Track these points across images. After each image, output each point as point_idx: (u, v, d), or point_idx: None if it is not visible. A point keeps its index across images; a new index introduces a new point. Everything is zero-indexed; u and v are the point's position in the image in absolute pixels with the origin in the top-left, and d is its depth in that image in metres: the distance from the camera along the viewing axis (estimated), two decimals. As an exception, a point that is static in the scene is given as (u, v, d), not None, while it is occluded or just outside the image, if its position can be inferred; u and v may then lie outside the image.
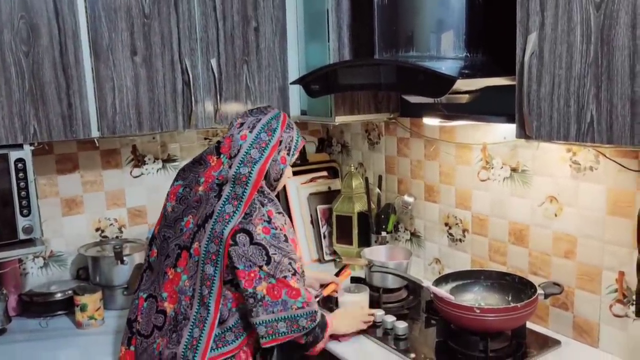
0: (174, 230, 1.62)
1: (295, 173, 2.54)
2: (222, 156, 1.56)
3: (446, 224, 2.15)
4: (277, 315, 1.48)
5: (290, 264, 1.51)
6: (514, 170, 1.85)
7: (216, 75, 2.04)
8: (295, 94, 2.28)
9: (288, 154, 1.62)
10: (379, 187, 2.38)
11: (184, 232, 1.58)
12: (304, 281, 1.59)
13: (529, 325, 1.80)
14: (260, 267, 1.47)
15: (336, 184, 2.65)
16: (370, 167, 2.53)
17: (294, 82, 1.98)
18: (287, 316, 1.49)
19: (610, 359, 1.61)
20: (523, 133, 1.39)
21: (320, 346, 1.61)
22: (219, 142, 1.60)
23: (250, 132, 1.56)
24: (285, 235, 1.52)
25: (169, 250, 1.60)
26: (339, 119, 2.14)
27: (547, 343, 1.70)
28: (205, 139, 2.51)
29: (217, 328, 1.51)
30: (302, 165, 2.64)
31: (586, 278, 1.67)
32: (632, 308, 1.53)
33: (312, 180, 2.61)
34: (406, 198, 2.25)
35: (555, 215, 1.74)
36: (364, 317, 1.81)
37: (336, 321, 1.71)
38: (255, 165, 1.53)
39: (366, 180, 2.36)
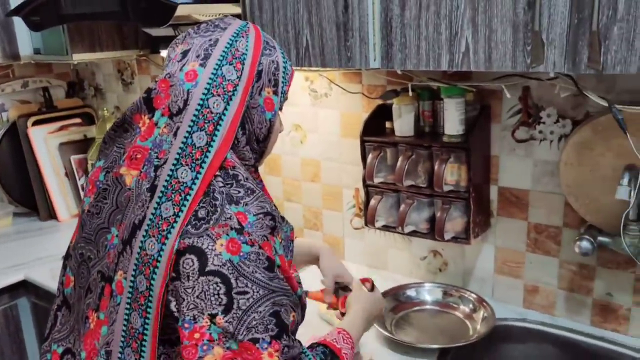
0: (95, 247, 0.92)
1: (40, 122, 2.28)
2: (156, 114, 0.87)
3: (207, 162, 2.13)
4: None
5: (273, 314, 0.81)
6: (262, 102, 1.88)
7: None
8: (24, 28, 1.98)
9: (275, 93, 0.94)
10: (136, 130, 2.25)
11: (107, 250, 0.89)
12: (294, 351, 0.84)
13: (286, 248, 1.90)
14: (213, 317, 0.79)
15: (92, 131, 2.43)
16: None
17: (9, 14, 1.71)
18: None
19: (354, 267, 1.78)
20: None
21: None
22: (149, 91, 0.89)
23: (203, 65, 0.87)
24: (268, 258, 0.83)
25: (90, 279, 0.92)
26: (78, 57, 1.93)
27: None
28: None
29: None
30: (49, 112, 2.36)
31: (330, 198, 1.80)
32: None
33: (62, 128, 2.35)
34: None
35: (301, 142, 1.82)
36: (383, 304, 1.27)
37: (357, 329, 1.09)
38: (220, 128, 0.85)
39: (122, 123, 2.20)
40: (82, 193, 0.89)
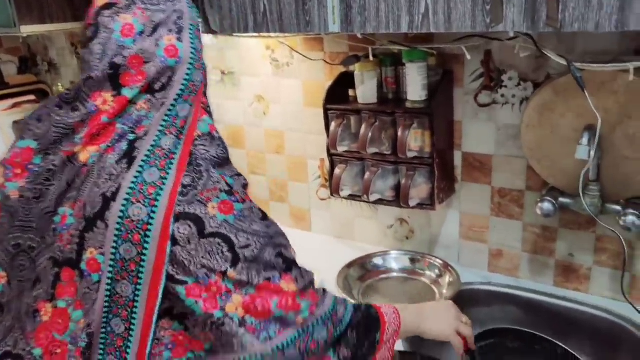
0: (39, 233, 0.86)
1: (-9, 99, 2.18)
2: (125, 91, 0.82)
3: (169, 137, 2.08)
4: (276, 341, 0.82)
5: (278, 255, 0.84)
6: (223, 73, 1.83)
7: None
8: (-33, 1, 1.87)
9: (180, 39, 0.86)
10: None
11: (58, 233, 0.83)
12: (308, 276, 0.88)
13: (253, 222, 1.88)
14: (224, 273, 0.80)
15: (48, 108, 2.33)
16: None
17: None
18: (293, 337, 0.83)
19: (322, 238, 1.78)
20: (208, 28, 1.34)
21: (381, 356, 0.93)
22: (115, 67, 0.82)
23: (180, 40, 0.85)
24: (260, 210, 0.87)
25: (39, 269, 0.85)
26: (26, 30, 1.83)
27: (269, 235, 1.80)
28: None
29: None
30: (1, 89, 2.25)
31: (296, 170, 1.78)
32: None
33: (15, 106, 2.25)
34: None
35: (264, 113, 1.78)
36: (460, 323, 1.08)
37: (411, 316, 1.02)
38: (199, 96, 0.86)
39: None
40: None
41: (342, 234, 1.75)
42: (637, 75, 1.09)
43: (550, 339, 1.22)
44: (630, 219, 1.15)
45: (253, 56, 1.74)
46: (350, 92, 1.49)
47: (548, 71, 1.27)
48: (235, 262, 0.80)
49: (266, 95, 1.76)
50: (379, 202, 1.47)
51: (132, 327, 0.80)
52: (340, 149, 1.48)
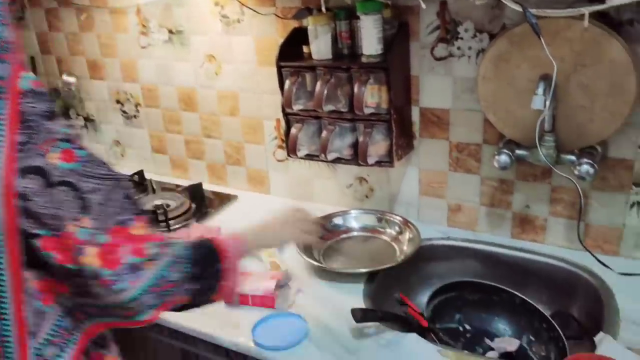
0: None
1: None
2: None
3: (118, 101, 1.98)
4: (132, 291, 0.82)
5: (126, 196, 0.85)
6: (171, 32, 1.74)
7: None
8: None
9: None
10: (34, 70, 2.04)
11: None
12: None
13: (210, 187, 1.83)
14: (76, 220, 0.79)
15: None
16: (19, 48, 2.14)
17: None
18: (147, 285, 0.84)
19: (280, 201, 1.74)
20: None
21: (229, 285, 0.94)
22: None
23: None
24: (99, 157, 0.85)
25: None
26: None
27: (226, 199, 1.76)
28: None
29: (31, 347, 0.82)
30: None
31: (251, 131, 1.73)
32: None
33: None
34: (66, 78, 1.98)
35: (216, 74, 1.71)
36: (303, 220, 1.15)
37: (254, 234, 1.08)
38: (7, 47, 0.79)
39: (16, 64, 2.00)
40: None
41: (301, 196, 1.72)
42: (592, 23, 1.08)
43: (509, 289, 1.24)
44: (585, 167, 1.16)
45: (201, 13, 1.66)
46: (304, 49, 1.43)
47: (504, 21, 1.24)
48: (85, 208, 0.80)
49: (217, 55, 1.69)
50: (337, 161, 1.44)
51: (2, 286, 0.79)
52: (296, 107, 1.43)
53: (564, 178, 1.23)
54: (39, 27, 2.03)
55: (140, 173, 1.88)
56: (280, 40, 1.45)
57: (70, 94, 2.03)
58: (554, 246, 1.37)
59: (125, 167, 2.05)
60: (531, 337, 1.20)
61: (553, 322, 1.15)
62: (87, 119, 2.10)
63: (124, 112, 1.98)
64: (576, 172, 1.17)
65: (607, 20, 1.12)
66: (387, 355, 1.05)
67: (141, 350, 1.37)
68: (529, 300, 1.21)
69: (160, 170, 1.99)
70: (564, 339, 1.11)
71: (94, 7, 1.86)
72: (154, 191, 1.82)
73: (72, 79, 1.97)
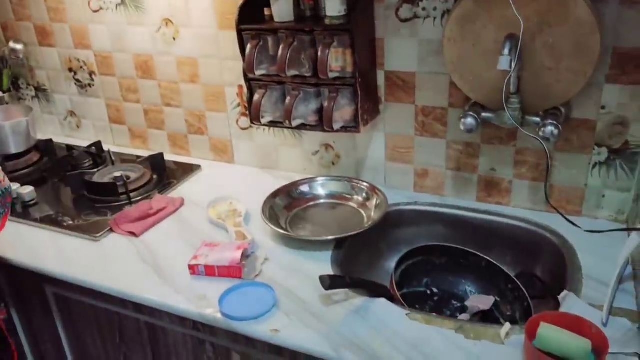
0: None
1: None
2: None
3: (70, 70, 1.88)
4: None
5: None
6: (124, -6, 1.66)
7: None
8: None
9: None
10: (-23, 37, 1.92)
11: None
12: None
13: (171, 157, 1.78)
14: None
15: None
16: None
17: None
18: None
19: (245, 170, 1.71)
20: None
21: None
22: None
23: None
24: None
25: None
26: None
27: (189, 170, 1.71)
28: None
29: None
30: None
31: (213, 99, 1.67)
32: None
33: None
34: (13, 45, 1.87)
35: (174, 39, 1.64)
36: None
37: None
38: None
39: (-42, 30, 1.87)
40: None
41: (267, 164, 1.69)
42: (557, -19, 1.07)
43: (475, 252, 1.25)
44: (549, 129, 1.16)
45: (156, -26, 1.57)
46: (266, 11, 1.38)
47: (469, -19, 1.22)
48: None
49: (174, 18, 1.61)
50: (302, 127, 1.41)
51: None
52: (258, 72, 1.39)
53: (529, 140, 1.24)
54: (-19, -10, 1.90)
55: (97, 144, 1.81)
56: (240, 2, 1.39)
57: (18, 62, 1.92)
58: (519, 208, 1.39)
59: (82, 139, 1.97)
60: (497, 298, 1.21)
61: (518, 282, 1.17)
62: (38, 89, 1.99)
63: (78, 80, 1.89)
64: (541, 134, 1.17)
65: (572, -22, 1.11)
66: (356, 320, 1.05)
67: (106, 327, 1.33)
68: (495, 262, 1.22)
69: (119, 141, 1.92)
70: (529, 299, 1.13)
71: (39, -31, 1.75)
72: (112, 163, 1.76)
73: (19, 46, 1.86)
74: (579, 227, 1.27)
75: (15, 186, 1.56)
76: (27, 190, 1.53)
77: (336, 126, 1.35)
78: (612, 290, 1.02)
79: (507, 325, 1.00)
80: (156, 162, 1.68)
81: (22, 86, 2.02)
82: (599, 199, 1.30)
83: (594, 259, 1.17)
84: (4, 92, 1.93)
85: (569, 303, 1.04)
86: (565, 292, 1.08)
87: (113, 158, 1.77)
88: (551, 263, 1.26)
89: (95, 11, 1.72)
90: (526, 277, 1.23)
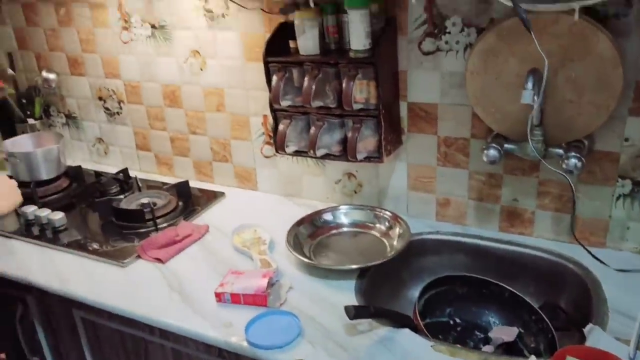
0: None
1: None
2: None
3: (100, 98, 1.95)
4: None
5: None
6: (154, 27, 1.71)
7: None
8: None
9: None
10: (12, 67, 2.00)
11: None
12: None
13: (196, 184, 1.81)
14: None
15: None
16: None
17: None
18: None
19: (268, 197, 1.73)
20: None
21: None
22: None
23: None
24: None
25: None
26: None
27: (213, 197, 1.74)
28: None
29: None
30: None
31: (238, 127, 1.71)
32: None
33: None
34: (45, 74, 1.94)
35: (201, 69, 1.69)
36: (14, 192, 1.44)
37: None
38: None
39: (-6, 60, 1.94)
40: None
41: (290, 192, 1.71)
42: (580, 17, 1.09)
43: (497, 282, 1.25)
44: (573, 161, 1.17)
45: (185, 7, 1.63)
46: (291, 44, 1.42)
47: (491, 15, 1.25)
48: None
49: (202, 50, 1.66)
50: (326, 157, 1.43)
51: None
52: (284, 103, 1.42)
53: (551, 171, 1.25)
54: (17, 21, 1.98)
55: (125, 171, 1.85)
56: (267, 35, 1.44)
57: (50, 91, 1.99)
58: (542, 239, 1.39)
59: (109, 165, 2.02)
60: (520, 329, 1.21)
61: (542, 313, 1.16)
62: (69, 116, 2.06)
63: (107, 109, 1.95)
64: (564, 166, 1.18)
65: (593, 14, 1.13)
66: (381, 351, 1.05)
67: (132, 352, 1.35)
68: (518, 293, 1.22)
69: (145, 168, 1.96)
70: (553, 331, 1.12)
71: (72, 2, 1.82)
72: (139, 189, 1.80)
73: (52, 76, 1.93)
74: (606, 264, 1.26)
75: (46, 212, 1.60)
76: (58, 217, 1.57)
77: (360, 156, 1.38)
78: (639, 324, 1.02)
79: (533, 358, 0.99)
80: (182, 189, 1.71)
81: (53, 113, 2.08)
82: (624, 230, 1.30)
83: (619, 292, 1.17)
84: (35, 120, 1.99)
85: (595, 336, 1.03)
86: (590, 325, 1.08)
87: (140, 184, 1.82)
88: (575, 295, 1.26)
89: (126, 42, 1.78)
90: (550, 308, 1.23)
